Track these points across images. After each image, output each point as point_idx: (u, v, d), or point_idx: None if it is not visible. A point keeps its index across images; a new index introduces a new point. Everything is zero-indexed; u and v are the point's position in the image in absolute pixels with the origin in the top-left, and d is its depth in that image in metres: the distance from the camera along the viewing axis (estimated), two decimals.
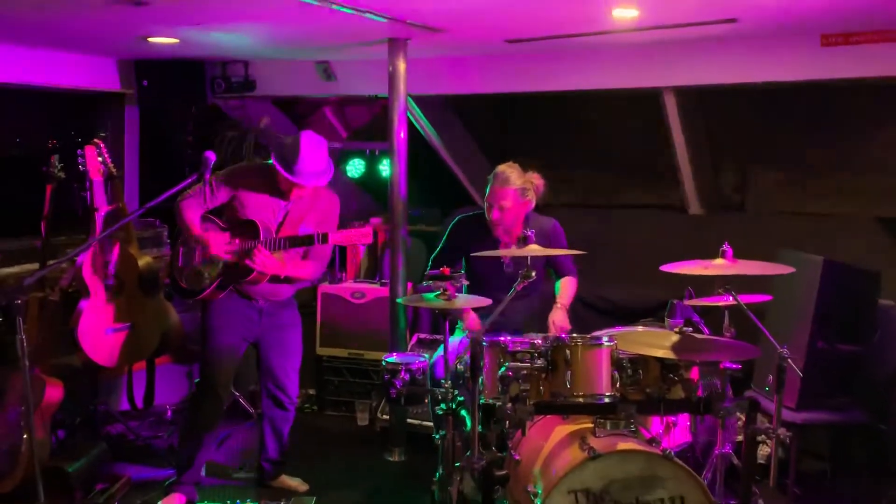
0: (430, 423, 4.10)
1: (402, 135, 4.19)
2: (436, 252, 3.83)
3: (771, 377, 2.80)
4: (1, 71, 4.48)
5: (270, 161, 3.40)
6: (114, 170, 3.96)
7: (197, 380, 3.76)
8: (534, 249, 2.95)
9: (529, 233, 2.95)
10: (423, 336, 4.75)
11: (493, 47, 4.56)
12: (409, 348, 4.55)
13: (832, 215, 4.87)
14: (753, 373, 3.93)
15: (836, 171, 4.92)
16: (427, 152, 5.67)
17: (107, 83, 5.06)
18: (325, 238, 3.32)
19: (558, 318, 3.57)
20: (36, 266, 3.91)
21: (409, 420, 4.36)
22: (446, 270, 3.02)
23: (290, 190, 3.44)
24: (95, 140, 3.91)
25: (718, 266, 2.84)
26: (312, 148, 3.37)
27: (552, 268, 3.82)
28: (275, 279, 3.49)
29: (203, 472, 3.70)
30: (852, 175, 4.87)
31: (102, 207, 3.81)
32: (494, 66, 4.86)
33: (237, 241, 3.47)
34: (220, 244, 3.47)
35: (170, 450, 4.09)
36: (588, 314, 4.76)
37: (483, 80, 4.95)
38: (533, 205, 3.69)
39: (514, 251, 3.14)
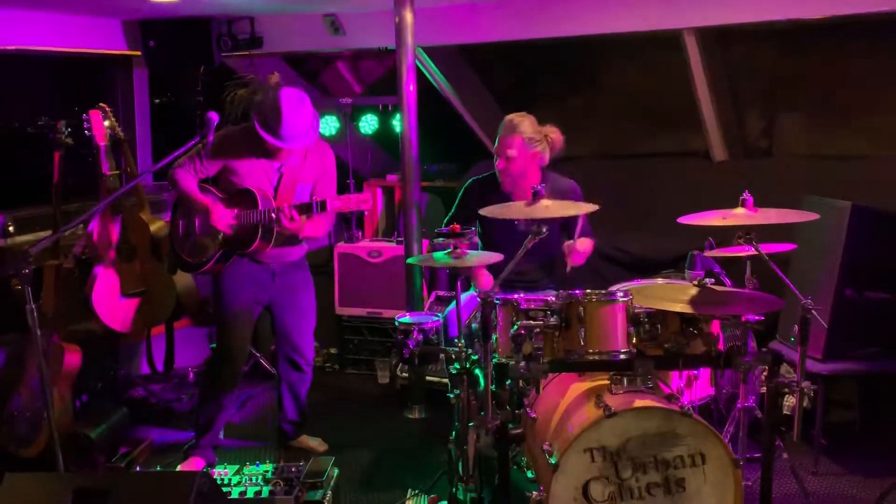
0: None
1: (411, 88, 4.08)
2: (448, 216, 3.75)
3: (797, 328, 2.70)
4: (5, 36, 4.42)
5: (253, 119, 3.31)
6: (121, 134, 3.92)
7: (213, 344, 3.76)
8: (545, 204, 2.84)
9: (540, 187, 2.84)
10: (440, 293, 4.70)
11: None
12: (427, 306, 4.51)
13: (864, 158, 4.68)
14: (779, 323, 3.83)
15: (867, 113, 4.72)
16: (442, 106, 5.54)
17: (113, 45, 4.98)
18: (323, 205, 3.25)
19: (574, 245, 3.37)
20: (50, 234, 3.91)
21: (428, 378, 4.34)
22: (456, 227, 2.93)
23: (279, 150, 3.35)
24: (101, 104, 3.86)
25: (738, 215, 2.71)
26: (294, 106, 3.25)
27: (567, 233, 3.70)
28: (282, 242, 3.44)
29: (221, 435, 3.72)
30: (885, 116, 4.67)
31: (109, 173, 3.77)
32: (507, 12, 4.69)
33: (236, 210, 3.39)
34: (226, 216, 3.40)
35: (192, 412, 4.12)
36: (609, 267, 4.67)
37: (495, 27, 4.79)
38: (545, 158, 3.56)
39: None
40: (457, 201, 3.76)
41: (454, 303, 3.15)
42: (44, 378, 2.87)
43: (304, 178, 3.47)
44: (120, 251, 3.80)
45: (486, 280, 3.54)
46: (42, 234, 4.19)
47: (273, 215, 3.29)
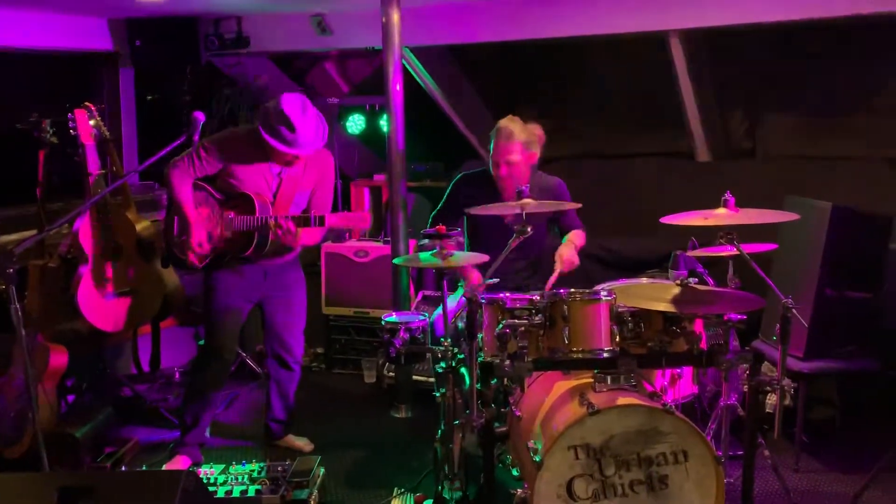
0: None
1: (397, 88, 4.10)
2: (436, 210, 3.77)
3: (778, 326, 2.74)
4: None
5: (258, 129, 3.26)
6: (107, 133, 3.91)
7: (201, 341, 3.76)
8: (529, 203, 2.87)
9: (524, 188, 2.87)
10: (427, 293, 4.72)
11: None
12: (414, 305, 4.53)
13: (846, 158, 4.74)
14: (761, 322, 3.87)
15: (849, 114, 4.78)
16: (429, 106, 5.56)
17: (99, 44, 4.97)
18: (321, 221, 3.24)
19: (566, 252, 3.49)
20: (35, 233, 3.89)
21: (414, 377, 4.36)
22: (442, 228, 2.95)
23: (287, 156, 3.32)
24: (86, 103, 3.84)
25: (720, 216, 2.75)
26: (298, 112, 3.21)
27: (558, 227, 3.74)
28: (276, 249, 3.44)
29: (207, 433, 3.72)
30: (867, 117, 4.72)
31: (95, 172, 3.75)
32: (494, 14, 4.72)
33: (231, 213, 3.37)
34: (214, 226, 3.38)
35: (178, 410, 4.11)
36: (593, 266, 4.70)
37: (482, 28, 4.82)
38: (537, 156, 3.61)
39: (511, 206, 3.06)
40: (445, 196, 3.78)
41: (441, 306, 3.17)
42: (28, 378, 2.87)
43: (303, 185, 3.46)
44: (105, 251, 3.78)
45: (475, 276, 3.56)
46: (27, 233, 4.17)
47: (271, 222, 3.26)
